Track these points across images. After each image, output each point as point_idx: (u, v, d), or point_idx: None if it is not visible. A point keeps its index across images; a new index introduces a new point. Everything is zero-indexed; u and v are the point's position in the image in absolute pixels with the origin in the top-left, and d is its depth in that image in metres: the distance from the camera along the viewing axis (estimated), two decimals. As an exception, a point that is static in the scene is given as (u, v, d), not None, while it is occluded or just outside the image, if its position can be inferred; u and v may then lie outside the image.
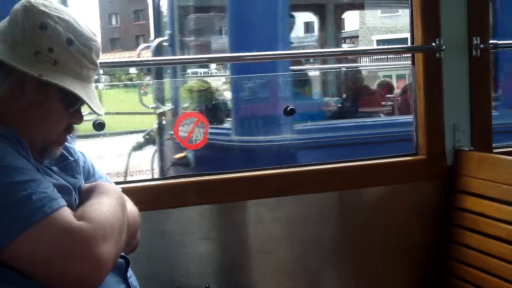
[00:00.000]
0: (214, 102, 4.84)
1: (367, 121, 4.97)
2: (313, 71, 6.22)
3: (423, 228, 2.44)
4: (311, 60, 6.55)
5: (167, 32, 5.01)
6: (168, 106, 4.93)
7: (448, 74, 2.41)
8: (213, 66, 7.28)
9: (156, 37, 5.18)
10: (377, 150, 4.19)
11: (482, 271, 2.19)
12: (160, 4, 5.37)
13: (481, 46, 2.41)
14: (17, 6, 1.40)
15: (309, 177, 2.33)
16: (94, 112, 1.42)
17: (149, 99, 5.23)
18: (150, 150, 5.04)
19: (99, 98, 1.52)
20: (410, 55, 2.50)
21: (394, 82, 6.73)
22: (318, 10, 6.16)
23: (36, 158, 1.39)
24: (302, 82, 5.14)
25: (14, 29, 1.37)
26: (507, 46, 3.12)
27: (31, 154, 1.35)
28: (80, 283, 1.25)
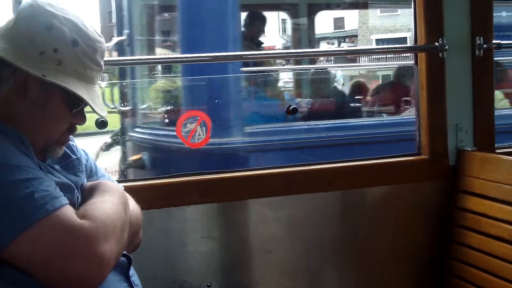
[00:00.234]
0: (175, 103, 4.75)
1: (326, 123, 4.79)
2: (282, 72, 6.15)
3: (425, 228, 2.44)
4: (283, 61, 6.46)
5: (126, 31, 4.96)
6: (128, 107, 4.83)
7: (451, 74, 2.41)
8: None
9: (118, 36, 5.13)
10: (333, 153, 4.15)
11: (483, 271, 2.19)
12: (122, 3, 5.30)
13: (484, 46, 2.41)
14: (23, 5, 1.41)
15: (311, 176, 2.33)
16: (97, 114, 1.42)
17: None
18: (116, 151, 4.98)
19: None
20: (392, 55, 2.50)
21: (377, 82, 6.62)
22: (292, 9, 6.10)
23: (38, 157, 1.39)
24: (262, 84, 5.01)
25: (20, 28, 1.38)
26: (511, 46, 3.12)
27: (33, 152, 1.35)
28: (81, 282, 1.25)
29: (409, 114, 4.87)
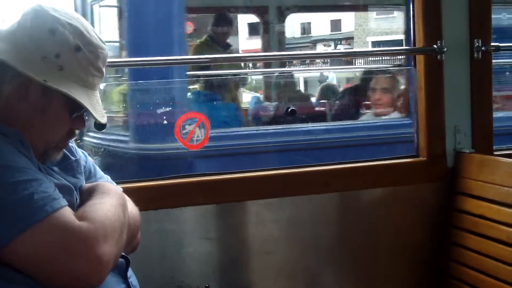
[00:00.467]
0: (123, 108, 4.64)
1: (277, 129, 4.69)
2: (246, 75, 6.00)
3: (423, 230, 2.44)
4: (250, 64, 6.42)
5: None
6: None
7: (449, 76, 2.41)
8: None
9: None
10: (280, 158, 4.11)
11: (481, 273, 2.20)
12: (76, 4, 5.23)
13: (483, 48, 2.41)
14: (27, 8, 1.40)
15: (310, 178, 2.34)
16: (96, 120, 1.42)
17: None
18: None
19: None
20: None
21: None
22: (261, 12, 6.00)
23: (38, 159, 1.40)
24: (218, 88, 4.93)
25: (23, 32, 1.38)
26: (509, 48, 3.13)
27: (33, 154, 1.35)
28: (80, 283, 1.25)
29: (368, 118, 4.82)
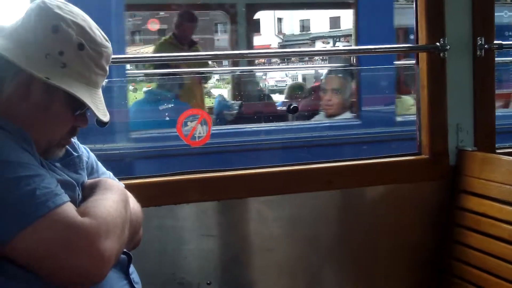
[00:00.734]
0: None
1: (229, 129, 4.62)
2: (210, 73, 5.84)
3: (425, 228, 2.44)
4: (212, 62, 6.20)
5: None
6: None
7: (452, 74, 2.41)
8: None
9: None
10: (220, 160, 3.96)
11: (483, 271, 2.19)
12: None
13: (486, 46, 2.41)
14: (31, 5, 1.40)
15: (311, 175, 2.33)
16: (98, 119, 1.41)
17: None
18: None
19: None
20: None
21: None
22: (229, 9, 5.89)
23: (40, 155, 1.39)
24: (174, 87, 4.82)
25: (27, 29, 1.37)
26: (512, 46, 3.12)
27: (35, 149, 1.35)
28: (82, 279, 1.25)
29: (319, 119, 4.73)
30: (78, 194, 1.45)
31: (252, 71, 5.97)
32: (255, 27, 6.28)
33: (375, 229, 2.41)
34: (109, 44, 1.46)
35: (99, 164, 1.66)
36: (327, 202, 2.37)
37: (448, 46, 2.36)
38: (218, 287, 2.22)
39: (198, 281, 2.19)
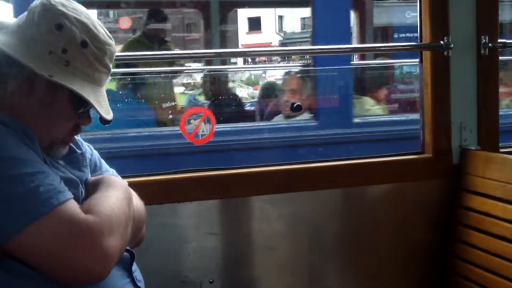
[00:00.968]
0: None
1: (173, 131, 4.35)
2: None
3: (427, 226, 2.44)
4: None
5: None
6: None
7: (455, 73, 2.40)
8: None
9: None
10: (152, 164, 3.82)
11: (485, 270, 2.19)
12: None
13: (490, 45, 2.40)
14: (35, 3, 1.40)
15: (314, 174, 2.33)
16: (101, 117, 1.41)
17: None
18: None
19: None
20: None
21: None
22: (203, 7, 5.80)
23: (43, 152, 1.39)
24: (136, 86, 4.69)
25: (31, 27, 1.37)
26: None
27: (38, 146, 1.35)
28: (85, 276, 1.25)
29: (278, 120, 4.65)
30: (82, 192, 1.45)
31: (221, 71, 5.80)
32: (229, 25, 6.14)
33: (377, 228, 2.40)
34: (112, 42, 1.46)
35: (103, 161, 1.66)
36: (329, 201, 2.37)
37: (452, 45, 2.35)
38: (220, 285, 2.22)
39: (201, 279, 2.19)
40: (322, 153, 4.11)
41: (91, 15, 1.44)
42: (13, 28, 1.40)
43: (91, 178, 1.54)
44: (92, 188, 1.46)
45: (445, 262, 2.38)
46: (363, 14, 6.36)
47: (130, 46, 5.06)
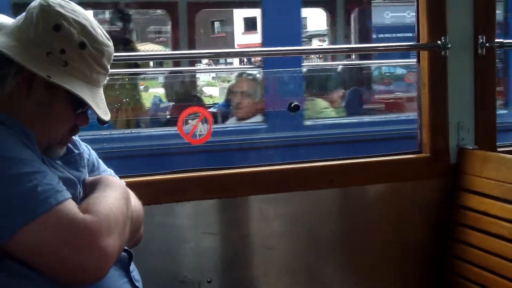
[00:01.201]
0: None
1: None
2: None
3: (425, 226, 2.44)
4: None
5: None
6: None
7: (453, 72, 2.41)
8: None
9: None
10: None
11: (484, 269, 2.20)
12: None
13: (487, 44, 2.40)
14: (34, 3, 1.40)
15: (312, 173, 2.33)
16: (99, 117, 1.41)
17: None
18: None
19: None
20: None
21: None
22: (170, 8, 5.69)
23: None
24: None
25: (29, 28, 1.38)
26: (512, 45, 3.12)
27: (36, 146, 1.35)
28: (84, 275, 1.25)
29: (231, 123, 4.56)
30: (79, 191, 1.45)
31: (182, 73, 5.63)
32: (196, 26, 5.98)
33: (375, 228, 2.41)
34: (110, 43, 1.46)
35: (100, 161, 1.67)
36: (328, 200, 2.37)
37: (449, 45, 2.36)
38: (218, 285, 2.22)
39: (199, 279, 2.19)
40: (272, 156, 4.05)
41: (90, 16, 1.44)
42: (11, 29, 1.40)
43: (89, 178, 1.54)
44: (90, 188, 1.46)
45: (443, 261, 2.39)
46: (335, 15, 6.29)
47: None
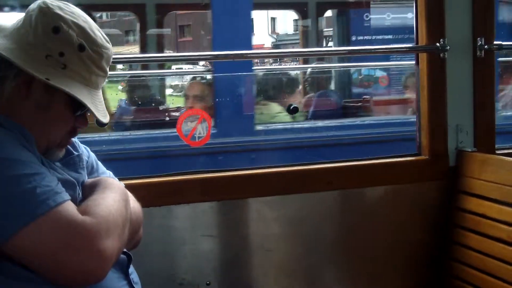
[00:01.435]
0: None
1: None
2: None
3: (424, 228, 2.44)
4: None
5: None
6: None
7: (451, 75, 2.41)
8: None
9: None
10: None
11: (482, 272, 2.19)
12: None
13: (485, 47, 2.41)
14: (32, 6, 1.40)
15: (312, 176, 2.33)
16: (98, 120, 1.41)
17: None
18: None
19: None
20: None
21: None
22: (138, 10, 5.63)
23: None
24: None
25: (28, 30, 1.38)
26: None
27: (35, 147, 1.35)
28: (83, 277, 1.25)
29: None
30: (79, 193, 1.45)
31: (146, 76, 5.48)
32: (165, 28, 5.98)
33: (374, 230, 2.41)
34: (109, 45, 1.46)
35: (99, 163, 1.66)
36: (327, 203, 2.37)
37: (448, 47, 2.36)
38: (217, 287, 2.21)
39: (198, 281, 2.19)
40: (221, 161, 3.97)
41: (89, 19, 1.44)
42: (11, 31, 1.40)
43: (88, 180, 1.54)
44: (89, 190, 1.46)
45: (442, 264, 2.39)
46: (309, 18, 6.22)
47: None
